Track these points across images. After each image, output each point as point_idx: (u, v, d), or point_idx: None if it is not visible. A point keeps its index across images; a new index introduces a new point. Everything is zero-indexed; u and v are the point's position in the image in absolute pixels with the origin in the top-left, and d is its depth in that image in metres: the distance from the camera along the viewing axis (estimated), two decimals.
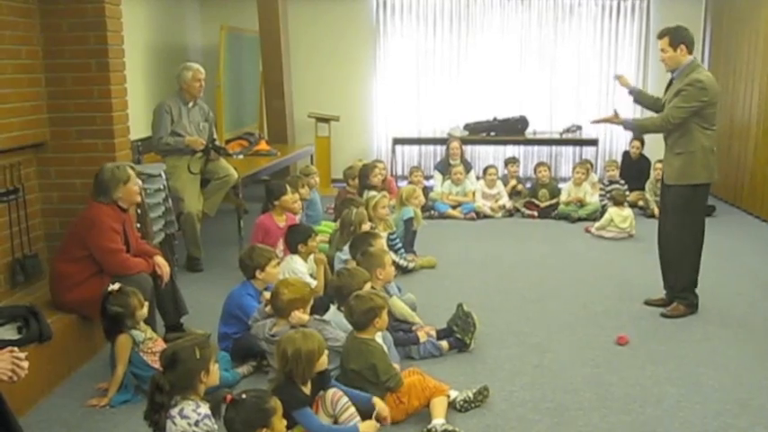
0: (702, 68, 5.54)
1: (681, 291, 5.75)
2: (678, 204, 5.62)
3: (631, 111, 9.10)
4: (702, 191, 5.63)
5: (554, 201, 9.45)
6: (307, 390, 3.67)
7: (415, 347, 4.89)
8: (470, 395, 4.21)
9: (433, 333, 5.03)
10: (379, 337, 4.25)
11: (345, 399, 3.78)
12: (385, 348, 4.24)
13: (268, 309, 4.40)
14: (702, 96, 5.36)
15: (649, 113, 6.05)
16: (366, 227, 6.28)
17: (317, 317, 4.43)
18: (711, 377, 4.64)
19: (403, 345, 4.83)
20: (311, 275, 5.79)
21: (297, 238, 5.84)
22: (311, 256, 5.91)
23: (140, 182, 5.26)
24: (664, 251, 5.87)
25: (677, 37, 5.47)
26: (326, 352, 3.75)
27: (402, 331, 4.95)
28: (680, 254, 5.71)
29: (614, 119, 5.84)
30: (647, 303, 5.94)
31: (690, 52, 5.49)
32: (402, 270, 6.76)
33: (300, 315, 4.25)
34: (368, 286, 4.54)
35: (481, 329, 5.14)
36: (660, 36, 5.57)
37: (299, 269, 5.70)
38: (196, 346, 3.36)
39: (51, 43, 5.24)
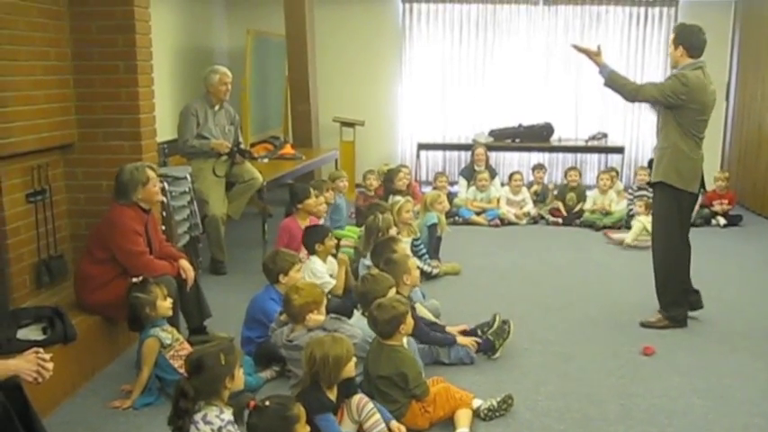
0: (701, 72, 5.32)
1: (672, 302, 5.61)
2: (658, 209, 5.57)
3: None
4: (672, 196, 5.44)
5: (579, 208, 9.39)
6: (332, 395, 3.65)
7: (444, 351, 4.86)
8: (495, 404, 4.17)
9: (471, 342, 5.00)
10: (405, 343, 4.22)
11: (371, 405, 3.76)
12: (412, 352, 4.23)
13: (283, 317, 4.39)
14: (681, 92, 5.23)
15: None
16: (392, 232, 6.25)
17: (333, 315, 4.40)
18: (739, 389, 4.57)
19: (440, 345, 4.84)
20: (331, 275, 5.77)
21: (313, 238, 5.81)
22: (329, 258, 5.89)
23: (162, 183, 5.26)
24: None
25: (680, 37, 5.37)
26: (354, 359, 3.73)
27: (438, 332, 4.94)
28: (657, 265, 5.62)
29: (595, 54, 5.51)
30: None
31: (691, 56, 5.34)
32: (426, 276, 6.73)
33: (315, 317, 4.25)
34: (392, 292, 4.50)
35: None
36: (673, 30, 5.52)
37: (318, 269, 5.68)
38: (221, 351, 3.35)
39: (80, 45, 5.26)
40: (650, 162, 10.02)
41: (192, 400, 3.24)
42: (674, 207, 5.47)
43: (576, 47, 5.66)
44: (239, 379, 3.43)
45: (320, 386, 3.60)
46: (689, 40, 5.35)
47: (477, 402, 4.17)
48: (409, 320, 4.12)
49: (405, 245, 6.54)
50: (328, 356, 3.58)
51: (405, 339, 4.21)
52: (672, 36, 5.44)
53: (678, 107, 5.29)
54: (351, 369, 3.69)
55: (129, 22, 5.22)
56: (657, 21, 11.27)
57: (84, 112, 5.34)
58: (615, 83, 5.47)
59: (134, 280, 4.44)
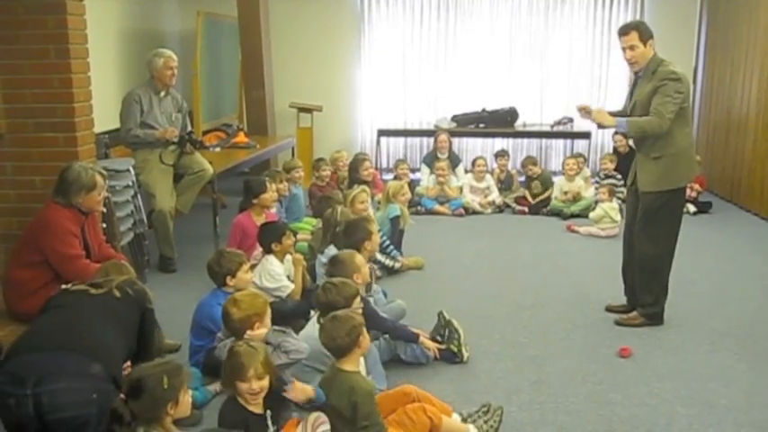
0: (667, 61, 5.07)
1: (653, 301, 5.32)
2: (654, 209, 5.16)
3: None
4: (682, 193, 5.29)
5: (546, 195, 9.11)
6: (258, 408, 3.31)
7: (401, 347, 4.59)
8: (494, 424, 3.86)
9: (433, 347, 4.69)
10: (362, 365, 3.84)
11: (328, 426, 3.43)
12: (373, 385, 3.82)
13: None
14: (681, 89, 4.95)
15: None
16: None
17: (277, 327, 3.94)
18: (723, 395, 4.29)
19: (403, 339, 4.60)
20: (288, 277, 5.39)
21: (270, 237, 5.41)
22: (288, 257, 5.51)
23: (107, 187, 4.86)
24: (630, 258, 5.45)
25: (646, 31, 5.02)
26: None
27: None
28: (656, 263, 5.27)
29: (604, 118, 5.18)
30: (608, 310, 5.59)
31: (653, 48, 5.08)
32: (388, 271, 6.41)
33: (257, 332, 3.83)
34: (357, 301, 4.12)
35: (474, 340, 4.82)
36: (626, 32, 5.03)
37: (275, 270, 5.29)
38: (165, 373, 2.96)
39: (6, 27, 4.84)
40: (615, 150, 9.81)
41: (127, 425, 2.88)
42: (680, 205, 5.30)
43: (582, 108, 5.29)
44: (185, 404, 3.05)
45: (236, 399, 3.31)
46: (650, 32, 5.05)
47: (456, 418, 3.83)
48: (365, 332, 3.74)
49: (375, 225, 6.21)
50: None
51: (362, 360, 3.84)
52: (634, 36, 4.98)
53: (681, 104, 5.01)
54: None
55: (59, 0, 4.78)
56: (624, 2, 10.92)
57: (13, 100, 4.94)
58: (641, 128, 5.03)
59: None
